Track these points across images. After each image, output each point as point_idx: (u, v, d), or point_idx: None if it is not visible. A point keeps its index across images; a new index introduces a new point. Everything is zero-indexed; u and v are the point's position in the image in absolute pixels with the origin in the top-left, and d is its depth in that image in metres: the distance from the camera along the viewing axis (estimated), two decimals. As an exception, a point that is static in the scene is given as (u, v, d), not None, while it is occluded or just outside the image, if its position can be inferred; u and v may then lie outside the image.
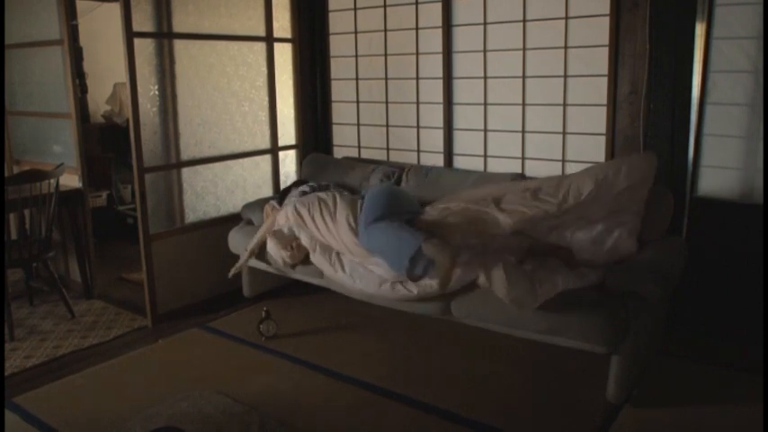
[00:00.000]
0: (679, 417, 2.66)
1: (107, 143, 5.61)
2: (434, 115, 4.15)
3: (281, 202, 3.83)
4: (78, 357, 3.35)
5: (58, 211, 3.96)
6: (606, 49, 3.42)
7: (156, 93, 3.82)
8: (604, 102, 3.48)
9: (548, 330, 2.76)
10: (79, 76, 5.16)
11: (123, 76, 3.63)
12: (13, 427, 2.68)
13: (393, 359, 3.23)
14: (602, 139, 3.52)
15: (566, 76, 3.59)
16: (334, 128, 4.74)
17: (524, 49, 3.71)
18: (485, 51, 3.87)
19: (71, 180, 4.10)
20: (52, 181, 3.71)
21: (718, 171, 3.24)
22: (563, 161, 3.67)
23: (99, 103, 5.79)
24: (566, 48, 3.56)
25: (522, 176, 3.57)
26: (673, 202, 3.14)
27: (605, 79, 3.45)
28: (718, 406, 2.74)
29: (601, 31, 3.43)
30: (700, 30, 3.15)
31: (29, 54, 4.28)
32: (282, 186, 4.57)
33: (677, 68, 3.25)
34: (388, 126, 4.43)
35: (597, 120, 3.52)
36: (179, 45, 3.89)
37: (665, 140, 3.33)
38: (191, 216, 4.06)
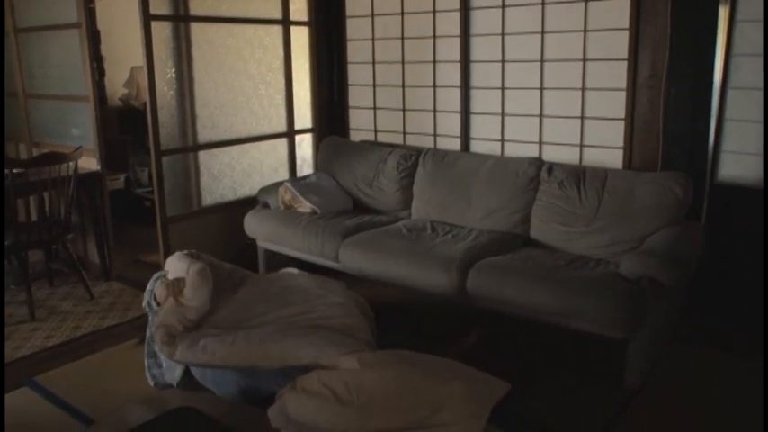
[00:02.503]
0: (694, 404, 2.65)
1: (124, 126, 5.65)
2: (451, 99, 4.12)
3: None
4: (97, 338, 3.39)
5: (77, 193, 3.99)
6: (626, 32, 3.37)
7: (173, 76, 3.83)
8: (624, 86, 3.43)
9: (565, 314, 2.75)
10: (97, 59, 5.19)
11: (140, 60, 3.65)
12: (33, 404, 2.73)
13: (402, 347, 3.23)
14: (621, 124, 3.48)
15: (585, 60, 3.55)
16: (351, 111, 4.73)
17: (543, 32, 3.66)
18: (503, 35, 3.83)
19: (89, 163, 4.13)
20: (71, 164, 3.74)
21: (739, 157, 3.20)
22: (581, 146, 3.64)
23: (116, 86, 5.81)
24: (585, 31, 3.51)
25: (540, 161, 3.54)
26: (692, 188, 3.11)
27: (625, 63, 3.41)
28: (733, 394, 2.72)
29: (621, 14, 3.38)
30: (723, 12, 3.09)
31: (47, 37, 4.30)
32: (298, 171, 4.59)
33: (699, 52, 3.20)
34: (404, 110, 4.41)
35: (616, 104, 3.48)
36: (196, 28, 3.89)
37: (685, 125, 3.28)
38: (207, 199, 4.08)
